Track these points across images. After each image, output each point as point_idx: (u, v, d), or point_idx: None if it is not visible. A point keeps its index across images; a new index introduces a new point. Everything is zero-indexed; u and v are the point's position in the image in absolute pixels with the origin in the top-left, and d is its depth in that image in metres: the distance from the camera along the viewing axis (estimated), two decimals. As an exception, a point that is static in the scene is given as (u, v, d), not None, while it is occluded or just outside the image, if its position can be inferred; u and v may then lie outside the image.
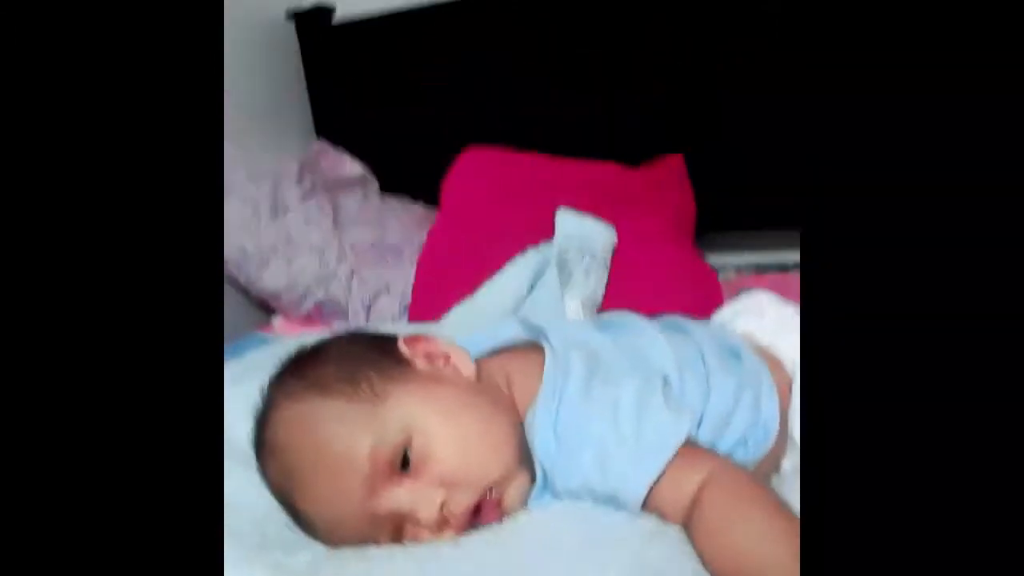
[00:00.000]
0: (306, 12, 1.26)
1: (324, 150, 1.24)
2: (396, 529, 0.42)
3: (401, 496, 0.41)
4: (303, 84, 1.30)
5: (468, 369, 0.47)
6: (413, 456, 0.41)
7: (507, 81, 1.18)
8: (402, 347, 0.47)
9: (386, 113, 1.27)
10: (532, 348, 0.51)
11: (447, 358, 0.48)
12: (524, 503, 0.44)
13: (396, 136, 1.27)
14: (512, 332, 0.53)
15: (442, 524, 0.41)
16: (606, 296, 0.81)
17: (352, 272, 1.00)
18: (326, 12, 1.26)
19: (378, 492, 0.41)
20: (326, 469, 0.41)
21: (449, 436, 0.42)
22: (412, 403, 0.43)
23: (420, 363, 0.47)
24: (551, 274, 0.82)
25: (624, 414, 0.41)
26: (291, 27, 1.28)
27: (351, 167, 1.21)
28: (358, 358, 0.45)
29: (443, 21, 1.19)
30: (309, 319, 1.06)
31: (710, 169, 1.03)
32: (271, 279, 1.04)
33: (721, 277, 0.92)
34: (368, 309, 0.97)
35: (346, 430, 0.41)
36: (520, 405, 0.46)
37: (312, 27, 1.27)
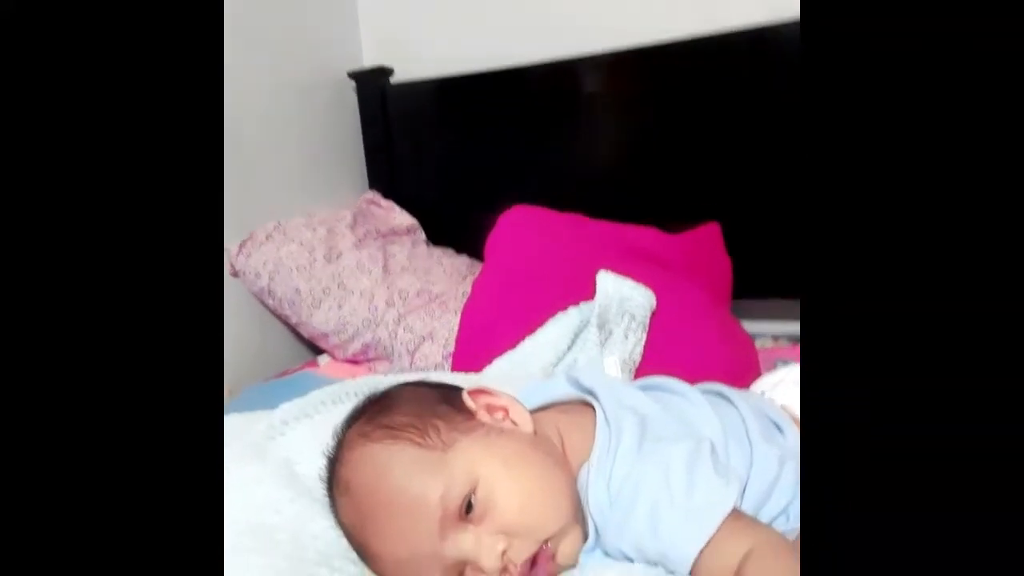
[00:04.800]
0: (366, 72, 1.36)
1: (376, 201, 1.31)
2: (458, 574, 0.44)
3: (466, 542, 0.44)
4: (359, 139, 1.39)
5: (527, 424, 0.50)
6: (477, 504, 0.44)
7: (551, 144, 1.25)
8: (466, 399, 0.51)
9: (435, 169, 1.35)
10: (582, 405, 0.54)
11: (506, 411, 0.51)
12: (576, 558, 0.46)
13: (443, 191, 1.34)
14: (562, 390, 0.56)
15: (503, 573, 0.43)
16: (645, 359, 0.83)
17: (399, 318, 1.04)
18: (384, 73, 1.36)
19: (446, 536, 0.43)
20: (400, 511, 0.44)
21: (511, 488, 0.45)
22: (476, 453, 0.46)
23: (482, 415, 0.50)
24: (591, 333, 0.85)
25: (675, 477, 0.43)
26: (351, 85, 1.38)
27: (401, 217, 1.27)
28: (426, 407, 0.49)
29: (492, 86, 1.27)
30: (354, 360, 1.10)
31: (747, 236, 1.07)
32: (322, 320, 1.09)
33: (758, 344, 0.94)
34: (412, 354, 1.01)
35: (418, 475, 0.44)
36: (572, 461, 0.49)
37: (371, 86, 1.36)
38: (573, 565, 0.46)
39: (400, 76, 1.36)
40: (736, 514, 0.42)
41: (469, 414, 0.50)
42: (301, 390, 0.69)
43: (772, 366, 0.71)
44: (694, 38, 1.10)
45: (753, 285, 1.07)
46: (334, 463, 0.49)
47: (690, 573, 0.42)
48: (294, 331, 1.19)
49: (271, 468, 0.56)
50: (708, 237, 1.05)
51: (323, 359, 1.15)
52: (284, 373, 1.10)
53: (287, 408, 0.65)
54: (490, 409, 0.51)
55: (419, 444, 0.46)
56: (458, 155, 1.33)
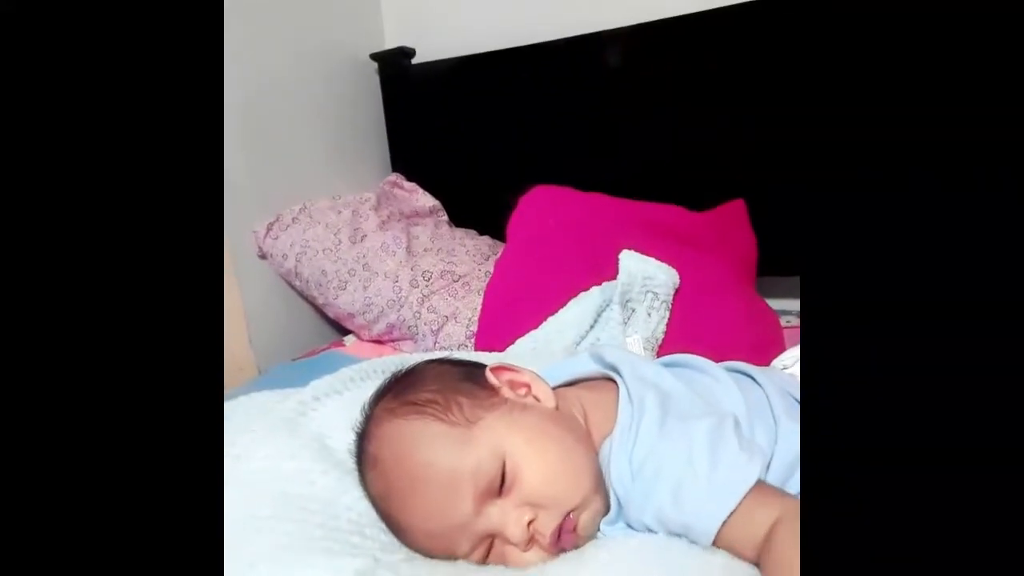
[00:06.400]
0: (388, 53, 1.36)
1: (399, 182, 1.32)
2: (486, 545, 0.46)
3: (493, 515, 0.45)
4: (382, 120, 1.39)
5: (549, 400, 0.51)
6: (504, 478, 0.45)
7: (574, 122, 1.24)
8: (489, 376, 0.52)
9: (457, 149, 1.35)
10: (605, 382, 0.54)
11: (529, 388, 0.52)
12: (596, 528, 0.47)
13: (466, 172, 1.34)
14: (586, 366, 0.57)
15: (529, 543, 0.45)
16: (668, 337, 0.83)
17: (423, 298, 1.05)
18: (406, 54, 1.36)
19: (476, 511, 0.45)
20: (429, 485, 0.45)
21: (536, 462, 0.45)
22: (501, 429, 0.47)
23: (505, 391, 0.51)
24: (613, 312, 0.85)
25: (698, 451, 0.43)
26: (373, 67, 1.38)
27: (423, 199, 1.28)
28: (449, 383, 0.50)
29: (514, 64, 1.26)
30: (380, 340, 1.12)
31: (773, 213, 1.05)
32: (348, 301, 1.10)
33: (784, 322, 0.93)
34: (436, 335, 1.02)
35: (445, 451, 0.45)
36: (595, 436, 0.50)
37: (393, 67, 1.36)
38: (593, 536, 0.47)
39: (422, 56, 1.35)
40: (760, 486, 0.42)
41: (492, 390, 0.51)
42: (328, 369, 0.71)
43: (796, 343, 0.71)
44: (719, 8, 1.07)
45: (780, 262, 1.05)
46: (362, 438, 0.50)
47: (717, 543, 0.42)
48: (320, 312, 1.21)
49: (303, 442, 0.57)
50: (733, 214, 1.04)
51: (349, 339, 1.17)
52: (311, 353, 1.12)
53: (317, 385, 0.67)
54: (513, 385, 0.52)
55: (443, 420, 0.47)
56: (480, 135, 1.32)
